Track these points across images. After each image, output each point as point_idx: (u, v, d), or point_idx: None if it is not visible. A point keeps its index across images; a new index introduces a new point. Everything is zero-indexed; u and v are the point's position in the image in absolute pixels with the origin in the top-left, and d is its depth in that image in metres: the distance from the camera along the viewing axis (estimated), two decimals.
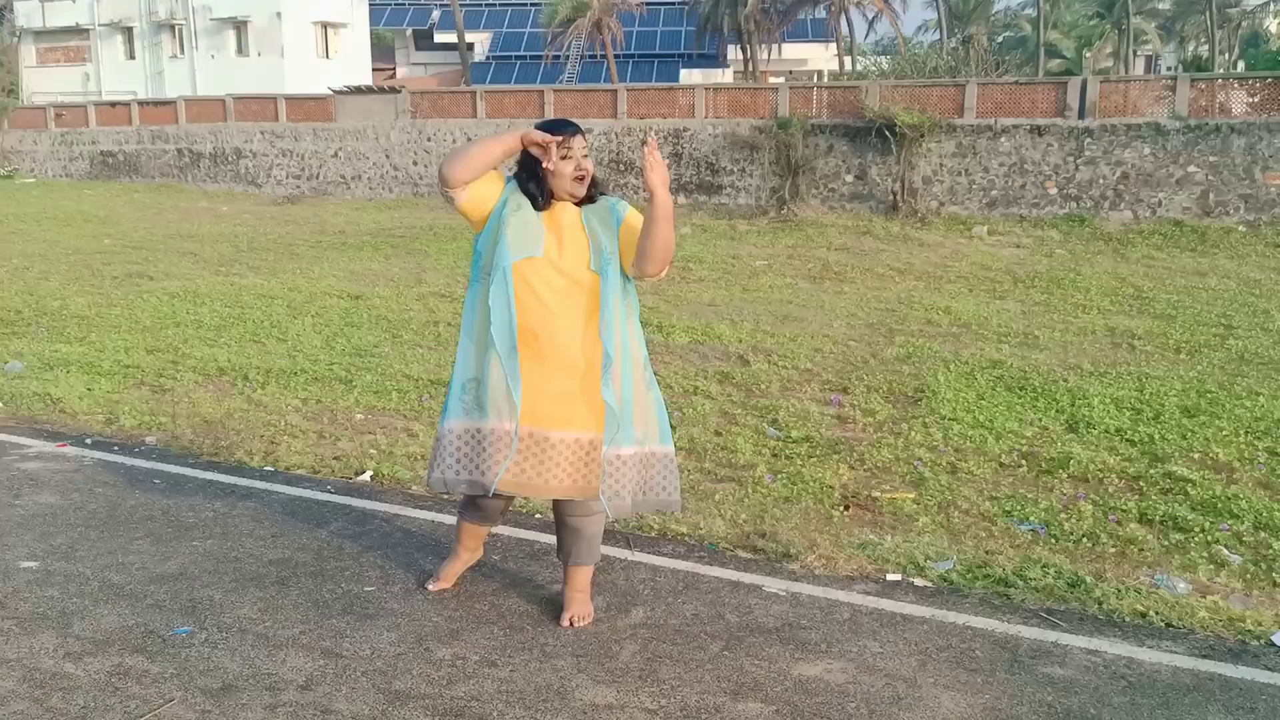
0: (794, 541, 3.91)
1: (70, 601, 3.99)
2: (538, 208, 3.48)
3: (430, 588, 3.84)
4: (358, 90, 31.99)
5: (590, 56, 41.18)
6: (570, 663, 3.32)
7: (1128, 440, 7.52)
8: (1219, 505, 6.03)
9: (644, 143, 3.54)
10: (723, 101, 25.03)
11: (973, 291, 15.27)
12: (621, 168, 25.72)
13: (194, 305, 12.68)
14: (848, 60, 42.44)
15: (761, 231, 22.07)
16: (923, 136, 22.00)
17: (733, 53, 43.61)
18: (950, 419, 7.87)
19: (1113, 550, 5.22)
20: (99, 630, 3.76)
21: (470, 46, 41.34)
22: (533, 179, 3.49)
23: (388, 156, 28.76)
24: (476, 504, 3.65)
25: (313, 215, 25.77)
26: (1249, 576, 4.93)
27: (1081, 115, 21.22)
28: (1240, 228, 19.83)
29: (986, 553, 4.10)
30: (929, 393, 8.66)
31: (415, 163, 28.31)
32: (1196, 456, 7.10)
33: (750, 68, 40.11)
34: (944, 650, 3.03)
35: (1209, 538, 5.45)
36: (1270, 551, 5.29)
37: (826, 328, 12.18)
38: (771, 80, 38.59)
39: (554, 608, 3.56)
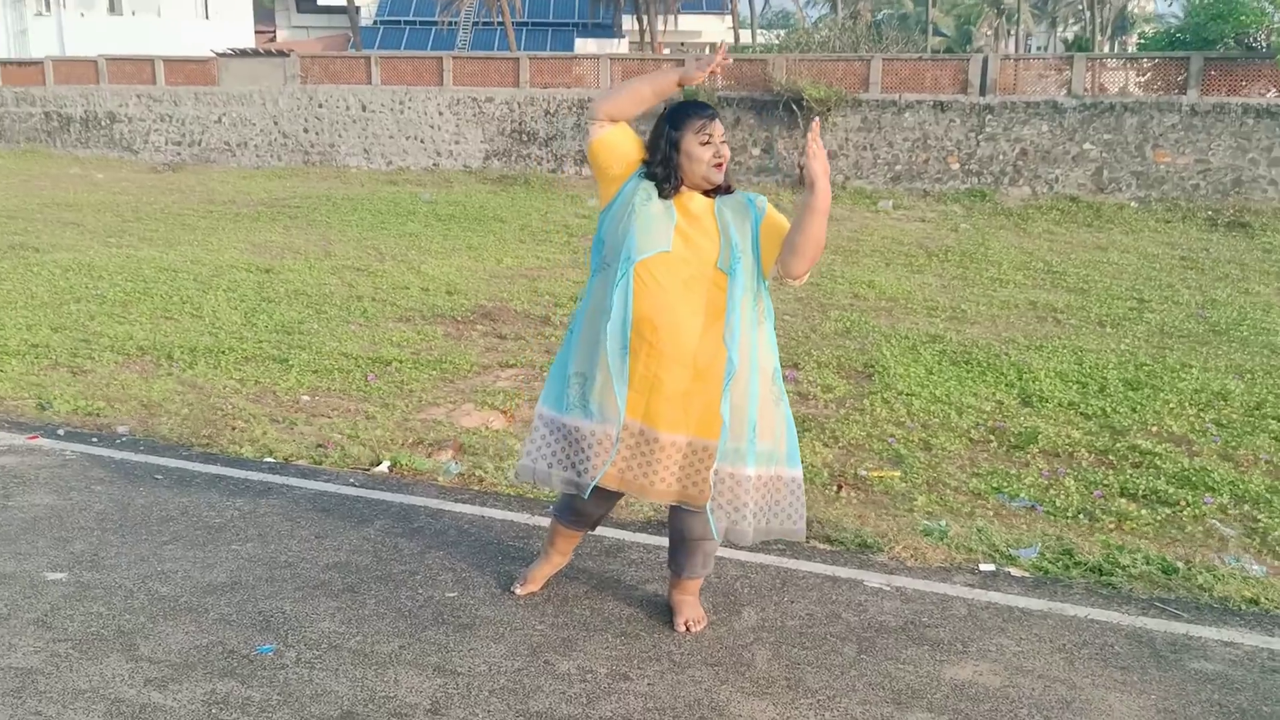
0: (845, 527, 3.75)
1: (123, 619, 3.54)
2: (664, 195, 3.17)
3: (518, 591, 3.48)
4: (243, 53, 30.60)
5: (486, 23, 40.30)
6: (707, 673, 3.08)
7: (1083, 414, 7.61)
8: (1192, 478, 6.11)
9: (807, 131, 3.21)
10: (629, 72, 24.71)
11: (890, 266, 15.40)
12: (524, 138, 25.22)
13: (91, 279, 11.88)
14: (744, 34, 42.54)
15: None
16: (829, 111, 22.12)
17: (628, 23, 43.24)
18: (908, 394, 7.85)
19: (1111, 526, 5.23)
20: (171, 651, 3.33)
21: (356, 10, 39.98)
22: (663, 162, 3.18)
23: (276, 123, 27.61)
24: (574, 507, 3.30)
25: (198, 184, 24.58)
26: (1255, 550, 4.99)
27: (983, 92, 21.62)
28: (1133, 204, 20.51)
29: (1057, 539, 3.98)
30: (879, 368, 8.63)
31: (306, 130, 27.26)
32: (1154, 430, 7.21)
33: (647, 38, 39.84)
34: (1082, 647, 2.91)
35: (1195, 511, 5.51)
36: (1260, 524, 5.37)
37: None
38: (665, 51, 38.41)
39: (657, 609, 3.25)
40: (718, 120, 3.21)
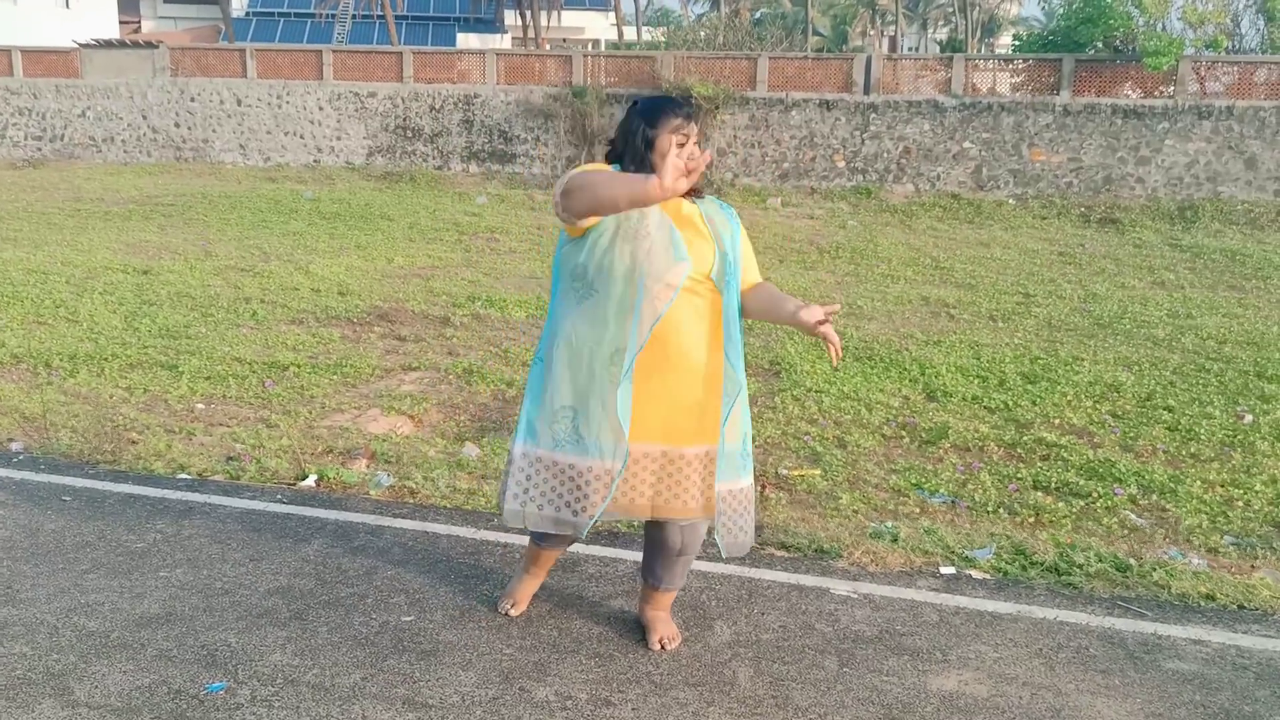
0: (797, 532, 3.68)
1: (51, 659, 3.18)
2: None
3: (512, 612, 3.21)
4: (109, 44, 29.22)
5: (365, 16, 39.36)
6: (692, 694, 2.94)
7: (986, 408, 7.75)
8: (1099, 470, 6.27)
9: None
10: (513, 68, 24.42)
11: (784, 263, 15.54)
12: (409, 134, 24.69)
13: None
14: (628, 30, 42.53)
15: None
16: (717, 109, 22.24)
17: (510, 17, 42.78)
18: (817, 391, 7.88)
19: (1030, 520, 5.31)
20: (111, 694, 2.99)
21: (227, 0, 38.60)
22: (638, 163, 2.97)
23: (145, 117, 26.46)
24: (556, 532, 3.08)
25: (61, 180, 23.38)
26: (1158, 538, 5.12)
27: (866, 91, 22.02)
28: (1010, 200, 21.16)
29: (1007, 538, 3.97)
30: (785, 365, 8.66)
31: (177, 124, 26.18)
32: (1055, 422, 7.39)
33: (531, 33, 39.47)
34: (1059, 651, 2.88)
35: (1107, 502, 5.64)
36: (1168, 514, 5.52)
37: None
38: (547, 47, 38.12)
39: (626, 626, 3.05)
40: (694, 121, 3.02)
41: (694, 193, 3.02)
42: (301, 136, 25.53)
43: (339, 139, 25.35)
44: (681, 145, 2.93)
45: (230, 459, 5.07)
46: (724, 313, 2.98)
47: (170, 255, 13.90)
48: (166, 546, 3.51)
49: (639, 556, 3.38)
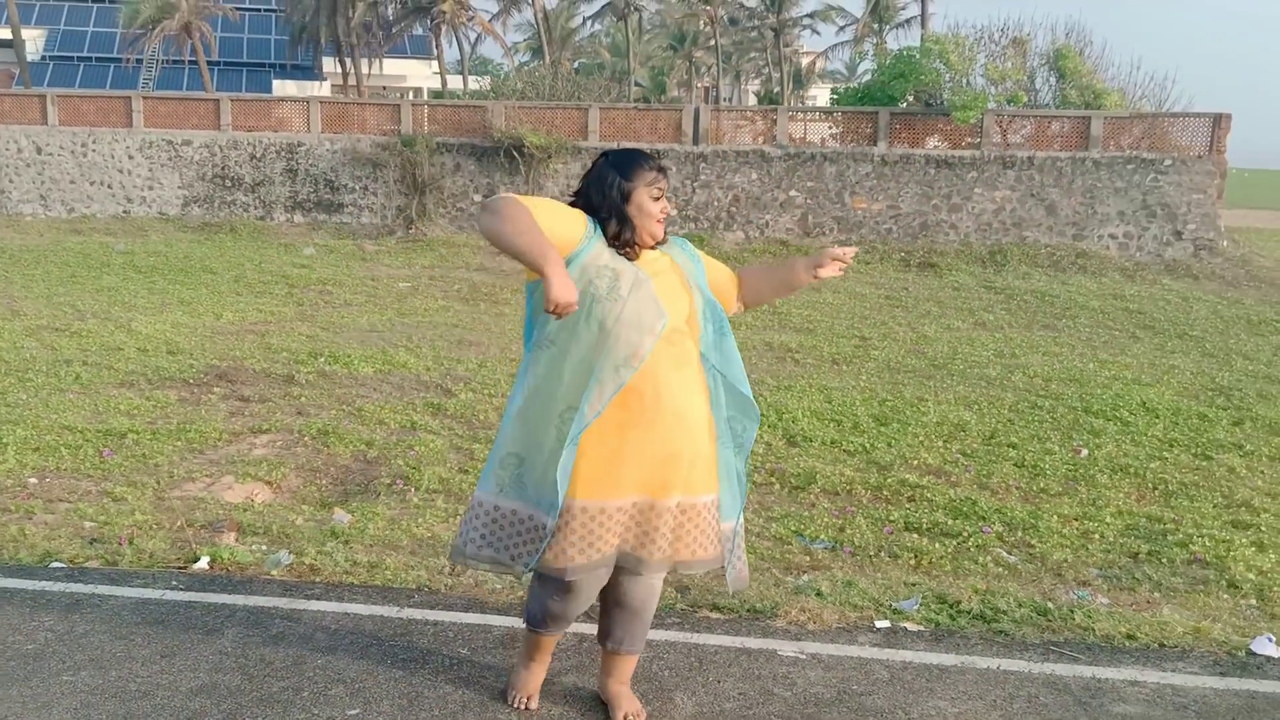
0: (721, 591, 3.60)
1: None
2: (628, 257, 2.86)
3: (530, 705, 2.92)
4: None
5: (175, 62, 37.75)
6: None
7: (847, 451, 7.94)
8: (963, 509, 6.48)
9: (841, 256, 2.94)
10: (331, 116, 23.86)
11: None
12: (229, 183, 23.75)
13: None
14: (453, 79, 42.27)
15: (393, 252, 21.29)
16: (550, 158, 22.31)
17: (329, 64, 41.87)
18: None
19: (912, 562, 5.43)
20: None
21: (23, 43, 36.34)
22: (619, 218, 2.86)
23: None
24: (552, 612, 2.86)
25: None
26: (1027, 575, 5.31)
27: (696, 141, 22.54)
28: (836, 246, 21.95)
29: (929, 589, 3.99)
30: None
31: None
32: (914, 463, 7.62)
33: (352, 81, 38.72)
34: (1011, 701, 2.87)
35: (978, 541, 5.83)
36: (1035, 550, 5.75)
37: (507, 351, 11.88)
38: (370, 95, 37.47)
39: (585, 705, 2.84)
40: (665, 174, 2.98)
41: (659, 241, 2.96)
42: (109, 186, 24.21)
43: (151, 189, 24.15)
44: (656, 199, 2.87)
45: (94, 541, 4.64)
46: (704, 361, 2.93)
47: None
48: (62, 646, 3.06)
49: (589, 629, 3.23)
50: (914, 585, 4.11)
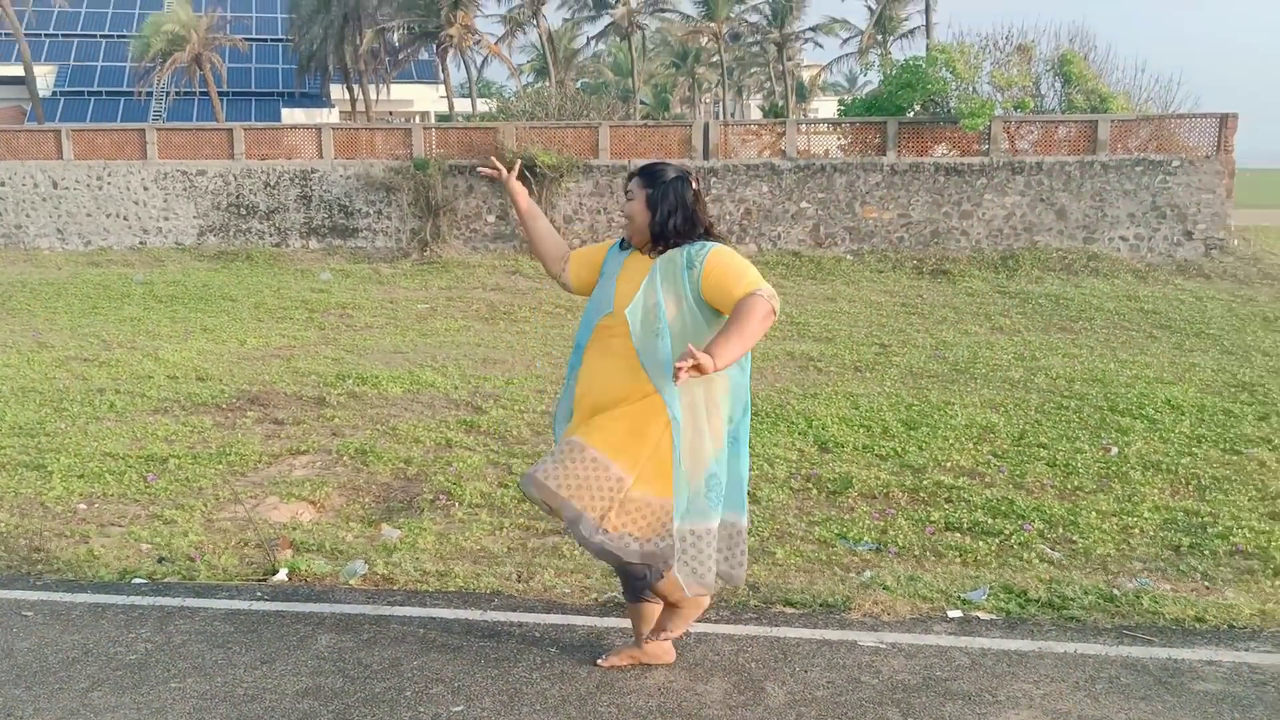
0: (789, 587, 3.69)
1: None
2: (622, 247, 3.45)
3: (671, 653, 3.20)
4: None
5: (186, 93, 38.09)
6: None
7: (879, 455, 8.00)
8: (1001, 508, 6.54)
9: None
10: (350, 141, 24.09)
11: None
12: (243, 212, 23.96)
13: None
14: (459, 102, 42.55)
15: (409, 274, 21.45)
16: (562, 177, 22.47)
17: (336, 92, 42.20)
18: None
19: (958, 560, 5.49)
20: None
21: (34, 79, 36.70)
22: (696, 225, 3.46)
23: None
24: (634, 573, 3.00)
25: None
26: (1075, 569, 5.37)
27: (706, 156, 22.68)
28: (848, 256, 22.07)
29: (991, 580, 4.07)
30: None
31: None
32: (947, 466, 7.68)
33: (361, 108, 39.03)
34: (1093, 682, 2.95)
35: (1020, 538, 5.89)
36: (1078, 545, 5.81)
37: (532, 367, 11.98)
38: (378, 121, 37.74)
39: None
40: (635, 176, 3.40)
41: (667, 245, 3.17)
42: (125, 218, 24.43)
43: (167, 219, 24.37)
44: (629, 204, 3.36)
45: (162, 559, 4.73)
46: (645, 355, 3.08)
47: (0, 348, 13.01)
48: (163, 655, 3.15)
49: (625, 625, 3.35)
50: (975, 577, 4.18)
